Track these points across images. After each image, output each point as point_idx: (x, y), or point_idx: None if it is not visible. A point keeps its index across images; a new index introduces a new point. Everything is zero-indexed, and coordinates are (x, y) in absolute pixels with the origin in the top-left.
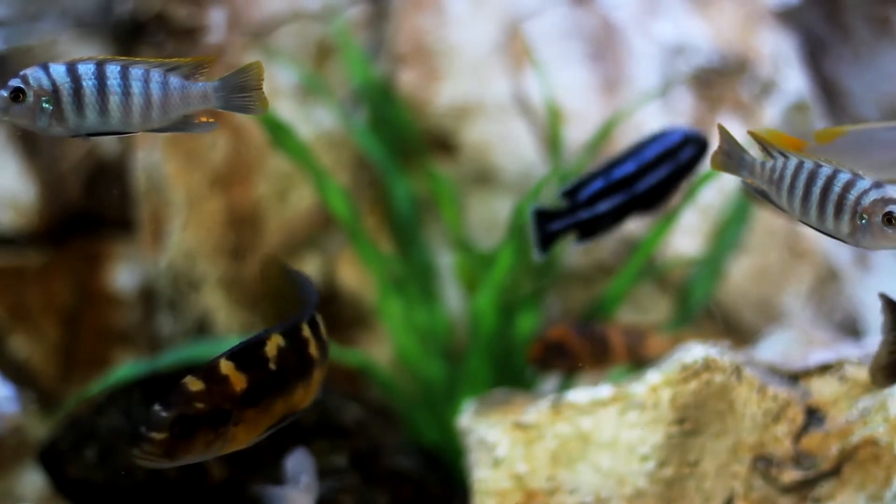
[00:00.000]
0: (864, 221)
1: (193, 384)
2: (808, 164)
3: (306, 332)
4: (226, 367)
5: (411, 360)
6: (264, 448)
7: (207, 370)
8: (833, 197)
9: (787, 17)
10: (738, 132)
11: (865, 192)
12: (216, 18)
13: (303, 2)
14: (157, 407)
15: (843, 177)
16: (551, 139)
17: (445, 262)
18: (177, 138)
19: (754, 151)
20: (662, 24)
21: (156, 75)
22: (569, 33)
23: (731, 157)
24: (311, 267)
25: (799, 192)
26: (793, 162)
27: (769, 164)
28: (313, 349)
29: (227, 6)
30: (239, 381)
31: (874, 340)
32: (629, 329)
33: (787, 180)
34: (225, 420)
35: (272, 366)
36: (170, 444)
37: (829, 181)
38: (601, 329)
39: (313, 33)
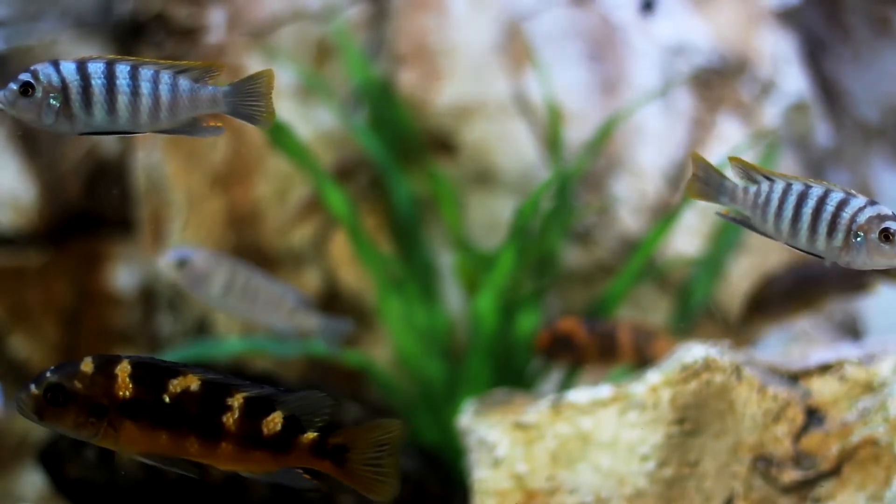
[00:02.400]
0: (859, 239)
1: (86, 365)
2: (798, 186)
3: (236, 402)
4: (121, 368)
5: (411, 360)
6: None
7: (106, 361)
8: (826, 216)
9: (787, 17)
10: (739, 132)
11: (860, 209)
12: (216, 18)
13: (303, 2)
14: (52, 367)
15: (836, 196)
16: (551, 139)
17: (445, 262)
18: (177, 138)
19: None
20: (662, 23)
21: (165, 77)
22: (568, 33)
23: (710, 185)
24: (310, 267)
25: (788, 214)
26: (780, 185)
27: (753, 188)
28: (231, 422)
29: (227, 6)
30: (124, 387)
31: (874, 340)
32: (638, 328)
33: (775, 203)
34: (99, 413)
35: (165, 398)
36: (40, 403)
37: (822, 201)
38: (611, 326)
39: (313, 33)
